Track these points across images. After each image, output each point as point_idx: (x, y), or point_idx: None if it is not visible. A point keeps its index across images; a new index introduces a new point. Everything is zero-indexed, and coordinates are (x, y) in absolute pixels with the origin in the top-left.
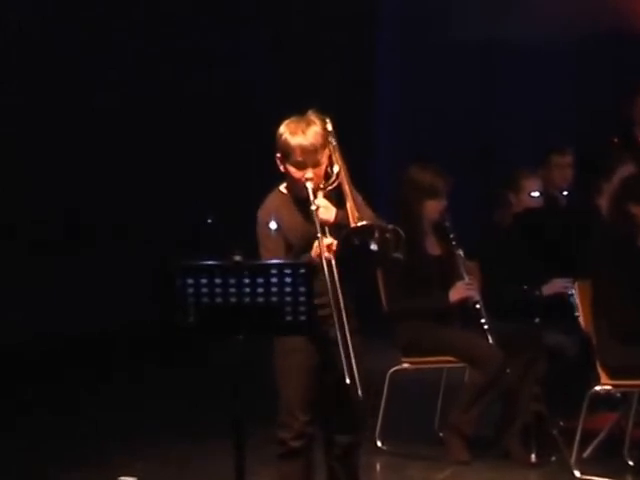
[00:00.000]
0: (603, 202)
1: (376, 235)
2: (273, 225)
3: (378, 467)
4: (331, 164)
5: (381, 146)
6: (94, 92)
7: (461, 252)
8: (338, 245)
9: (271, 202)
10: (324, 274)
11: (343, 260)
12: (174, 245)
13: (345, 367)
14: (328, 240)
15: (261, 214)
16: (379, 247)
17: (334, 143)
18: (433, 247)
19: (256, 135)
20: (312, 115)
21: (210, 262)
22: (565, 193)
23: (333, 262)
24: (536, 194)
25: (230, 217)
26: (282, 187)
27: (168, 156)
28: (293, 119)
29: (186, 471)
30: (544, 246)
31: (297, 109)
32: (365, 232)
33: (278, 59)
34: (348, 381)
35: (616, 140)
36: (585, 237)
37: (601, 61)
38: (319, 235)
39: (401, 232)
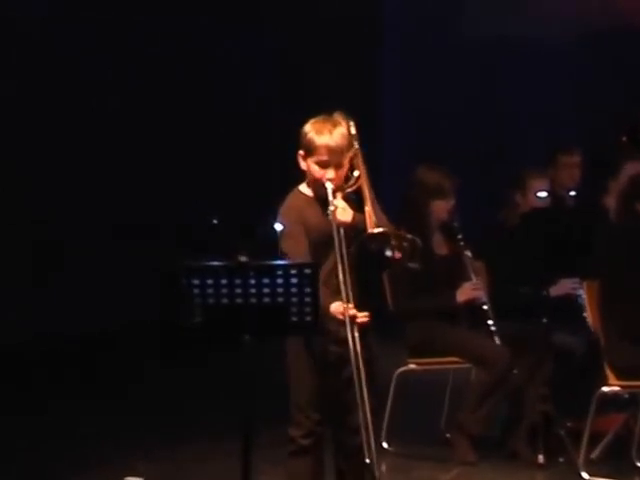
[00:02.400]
0: (610, 201)
1: (392, 242)
2: (279, 227)
3: (384, 468)
4: (352, 168)
5: (386, 147)
6: (98, 94)
7: (469, 252)
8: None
9: (293, 201)
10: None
11: (359, 266)
12: (178, 246)
13: (365, 448)
14: (353, 311)
15: (282, 214)
16: (394, 254)
17: (357, 146)
18: (440, 247)
19: (260, 137)
20: (338, 116)
21: (216, 263)
22: (572, 193)
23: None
24: (543, 194)
25: (235, 218)
26: (301, 187)
27: (172, 156)
28: (319, 118)
29: (191, 471)
30: (551, 246)
31: (300, 111)
32: (382, 239)
33: (281, 61)
34: (368, 461)
35: (625, 139)
36: (592, 237)
37: (605, 59)
38: (344, 303)
39: (418, 241)
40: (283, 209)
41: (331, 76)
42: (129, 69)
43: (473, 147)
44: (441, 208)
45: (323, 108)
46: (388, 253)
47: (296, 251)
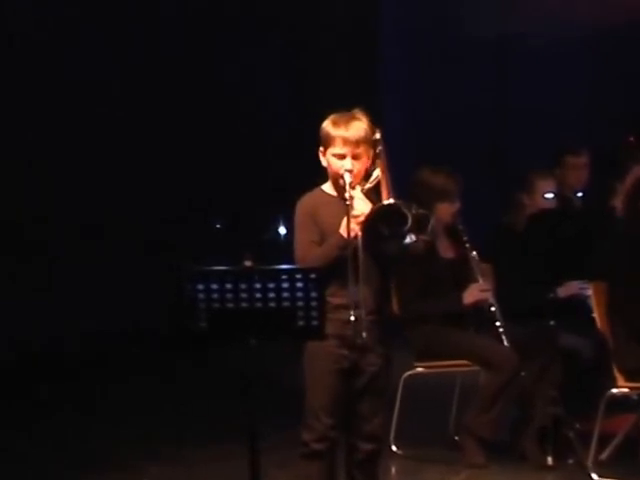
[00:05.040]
0: (618, 203)
1: (409, 222)
2: (283, 230)
3: (393, 471)
4: (374, 168)
5: (388, 148)
6: (106, 98)
7: (475, 254)
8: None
9: (309, 199)
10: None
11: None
12: (183, 250)
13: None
14: (357, 212)
15: (298, 208)
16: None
17: (380, 149)
18: (446, 250)
19: (267, 142)
20: (358, 112)
21: (221, 268)
22: (580, 194)
23: (360, 235)
24: (550, 195)
25: (239, 222)
26: (324, 186)
27: (175, 161)
28: (338, 113)
29: (201, 474)
30: (558, 247)
31: (302, 113)
32: (396, 218)
33: (284, 64)
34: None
35: (632, 139)
36: (600, 238)
37: (612, 58)
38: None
39: (431, 216)
40: (298, 205)
41: (332, 77)
42: (135, 74)
43: (478, 148)
44: (446, 211)
45: (325, 109)
46: (408, 240)
47: (302, 250)
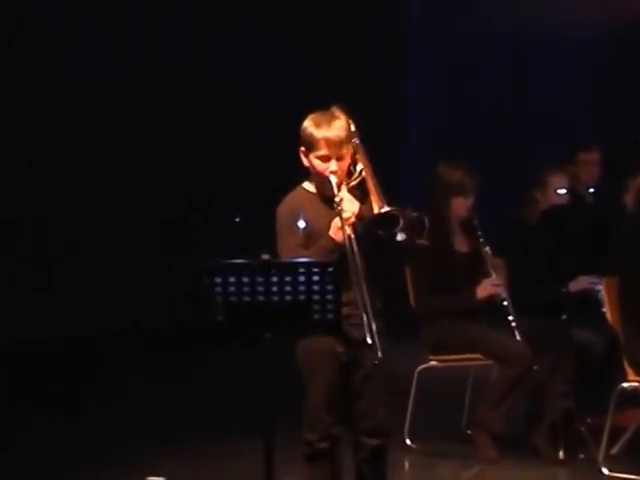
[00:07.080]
0: (630, 199)
1: (401, 223)
2: (302, 224)
3: (407, 465)
4: (355, 163)
5: (409, 146)
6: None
7: (488, 249)
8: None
9: (293, 199)
10: (347, 255)
11: (368, 252)
12: (198, 245)
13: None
14: (347, 213)
15: (281, 210)
16: (407, 235)
17: (357, 142)
18: (461, 244)
19: (281, 134)
20: (336, 110)
21: (238, 261)
22: (591, 190)
23: (352, 236)
24: (563, 191)
25: (257, 216)
26: (305, 184)
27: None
28: (317, 113)
29: (215, 471)
30: (571, 243)
31: (306, 113)
32: (389, 221)
33: (302, 59)
34: (369, 340)
35: None
36: (611, 234)
37: (622, 56)
38: (337, 206)
39: (425, 219)
40: (280, 208)
41: (354, 74)
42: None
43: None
44: (461, 205)
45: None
46: (399, 238)
47: (293, 249)
